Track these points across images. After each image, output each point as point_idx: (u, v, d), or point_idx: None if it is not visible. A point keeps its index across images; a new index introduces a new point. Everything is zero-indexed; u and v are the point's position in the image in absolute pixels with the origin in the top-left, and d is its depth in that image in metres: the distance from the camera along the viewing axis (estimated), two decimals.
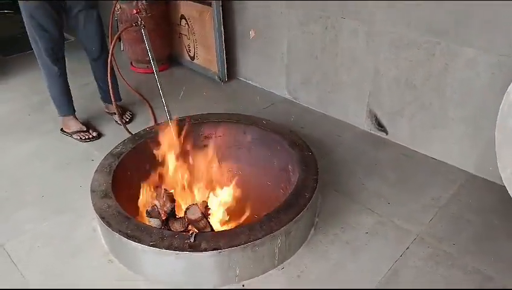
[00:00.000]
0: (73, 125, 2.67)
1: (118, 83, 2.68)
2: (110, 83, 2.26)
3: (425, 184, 2.19)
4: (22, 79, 3.47)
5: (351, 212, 2.03)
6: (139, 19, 2.23)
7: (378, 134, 2.59)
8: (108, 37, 2.52)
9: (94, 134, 2.65)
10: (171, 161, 2.00)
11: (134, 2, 3.16)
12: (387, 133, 2.55)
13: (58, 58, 2.50)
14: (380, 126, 2.56)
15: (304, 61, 2.82)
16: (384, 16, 2.29)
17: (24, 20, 2.35)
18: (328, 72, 2.71)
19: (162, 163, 2.00)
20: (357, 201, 2.10)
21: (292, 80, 2.98)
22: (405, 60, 2.29)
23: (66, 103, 2.65)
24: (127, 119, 2.80)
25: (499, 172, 1.78)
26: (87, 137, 2.63)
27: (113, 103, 2.32)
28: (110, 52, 2.18)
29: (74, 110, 2.70)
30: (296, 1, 2.67)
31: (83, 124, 2.70)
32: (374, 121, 2.58)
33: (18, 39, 4.17)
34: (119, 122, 2.74)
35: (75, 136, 2.65)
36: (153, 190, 1.91)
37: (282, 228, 1.66)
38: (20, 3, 2.29)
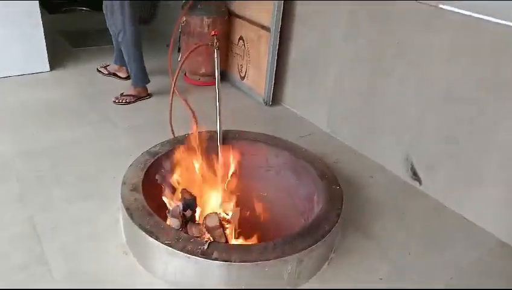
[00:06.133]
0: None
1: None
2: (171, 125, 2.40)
3: (450, 242, 2.12)
4: (83, 71, 3.71)
5: (369, 256, 1.99)
6: (215, 41, 2.35)
7: (412, 183, 2.54)
8: (168, 46, 2.68)
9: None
10: (203, 169, 2.07)
11: (200, 18, 3.35)
12: (421, 184, 2.50)
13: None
14: (415, 175, 2.52)
15: (349, 98, 2.85)
16: (439, 66, 2.28)
17: None
18: (371, 112, 2.72)
19: (194, 169, 2.07)
20: (377, 245, 2.05)
21: (334, 114, 3.01)
22: (452, 113, 2.26)
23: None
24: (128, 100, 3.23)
25: None
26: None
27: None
28: (175, 77, 2.27)
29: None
30: (353, 38, 2.72)
31: None
32: (409, 169, 2.54)
33: (89, 34, 4.49)
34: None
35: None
36: (179, 191, 1.97)
37: (294, 254, 1.66)
38: None
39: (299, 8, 3.06)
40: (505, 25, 1.97)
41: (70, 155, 2.54)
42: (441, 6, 2.21)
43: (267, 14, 3.12)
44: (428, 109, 2.38)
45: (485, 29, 2.06)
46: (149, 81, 3.34)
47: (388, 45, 2.51)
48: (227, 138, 2.37)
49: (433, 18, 2.26)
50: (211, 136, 2.25)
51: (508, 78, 2.02)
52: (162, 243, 1.63)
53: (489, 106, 2.11)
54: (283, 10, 3.05)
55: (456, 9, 2.15)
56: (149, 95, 3.36)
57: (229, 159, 2.16)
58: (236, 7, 3.52)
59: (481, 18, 2.06)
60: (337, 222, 1.86)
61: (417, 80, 2.41)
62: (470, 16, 2.10)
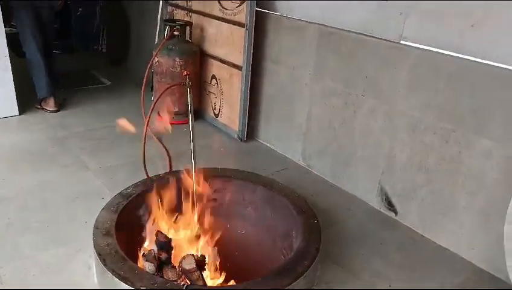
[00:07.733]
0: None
1: None
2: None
3: (429, 272, 2.12)
4: (52, 114, 3.65)
5: None
6: (187, 80, 2.37)
7: (388, 213, 2.57)
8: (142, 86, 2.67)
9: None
10: (178, 210, 2.03)
11: (172, 58, 3.39)
12: (396, 214, 2.53)
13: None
14: (390, 205, 2.55)
15: (322, 131, 2.90)
16: (405, 98, 2.37)
17: None
18: (343, 145, 2.77)
19: (169, 210, 2.02)
20: (357, 278, 2.04)
21: (308, 148, 3.04)
22: (420, 143, 2.33)
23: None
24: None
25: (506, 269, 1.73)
26: None
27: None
28: (148, 117, 2.27)
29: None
30: (322, 75, 2.80)
31: None
32: (384, 200, 2.57)
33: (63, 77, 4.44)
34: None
35: None
36: (154, 234, 1.92)
37: None
38: None
39: (269, 47, 3.16)
40: (460, 57, 2.08)
41: (40, 200, 2.45)
42: (402, 42, 2.32)
43: (238, 53, 3.19)
44: (398, 140, 2.44)
45: (442, 62, 2.17)
46: (42, 94, 3.64)
47: (356, 79, 2.60)
48: (203, 176, 2.35)
49: (395, 53, 2.37)
50: (186, 175, 2.22)
51: (465, 108, 2.12)
52: (137, 289, 1.56)
53: (452, 135, 2.19)
54: (253, 49, 3.13)
55: (415, 44, 2.27)
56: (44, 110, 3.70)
57: (205, 198, 2.13)
58: (208, 47, 3.60)
59: (437, 52, 2.17)
60: (316, 257, 1.84)
61: (385, 112, 2.48)
62: (427, 50, 2.21)
